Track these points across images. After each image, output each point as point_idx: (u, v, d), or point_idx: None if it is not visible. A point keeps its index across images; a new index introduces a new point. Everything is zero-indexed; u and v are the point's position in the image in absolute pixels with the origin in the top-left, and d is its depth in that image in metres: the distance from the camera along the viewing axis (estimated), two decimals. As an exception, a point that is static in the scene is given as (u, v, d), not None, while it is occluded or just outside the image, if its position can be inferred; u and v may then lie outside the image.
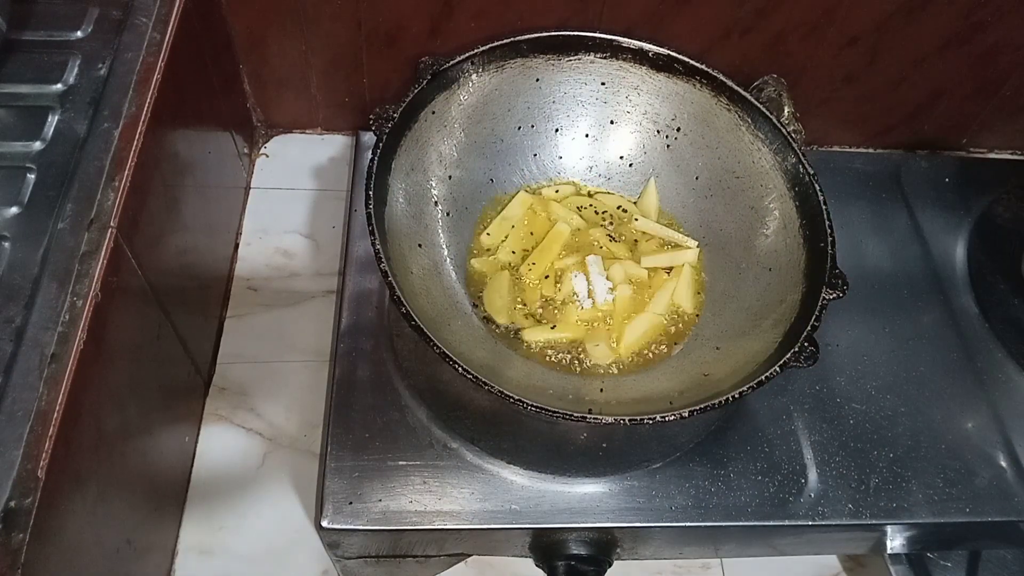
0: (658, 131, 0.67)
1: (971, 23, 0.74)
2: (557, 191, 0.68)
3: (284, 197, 0.81)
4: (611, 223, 0.67)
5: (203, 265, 0.70)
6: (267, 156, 0.84)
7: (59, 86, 0.53)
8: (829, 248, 0.56)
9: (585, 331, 0.62)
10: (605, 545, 0.59)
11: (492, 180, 0.66)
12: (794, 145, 0.61)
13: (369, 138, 0.57)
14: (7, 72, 0.53)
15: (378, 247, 0.52)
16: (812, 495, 0.60)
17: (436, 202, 0.63)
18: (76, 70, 0.54)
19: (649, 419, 0.49)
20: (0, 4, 0.53)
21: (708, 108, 0.65)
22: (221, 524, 0.65)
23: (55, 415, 0.40)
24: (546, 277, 0.64)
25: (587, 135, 0.68)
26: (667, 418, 0.49)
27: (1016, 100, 0.84)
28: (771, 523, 0.58)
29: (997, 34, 0.75)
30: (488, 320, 0.61)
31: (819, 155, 0.83)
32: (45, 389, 0.41)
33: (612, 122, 0.68)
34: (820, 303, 0.54)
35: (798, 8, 0.72)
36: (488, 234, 0.65)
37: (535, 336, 0.60)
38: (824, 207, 0.58)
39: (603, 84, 0.66)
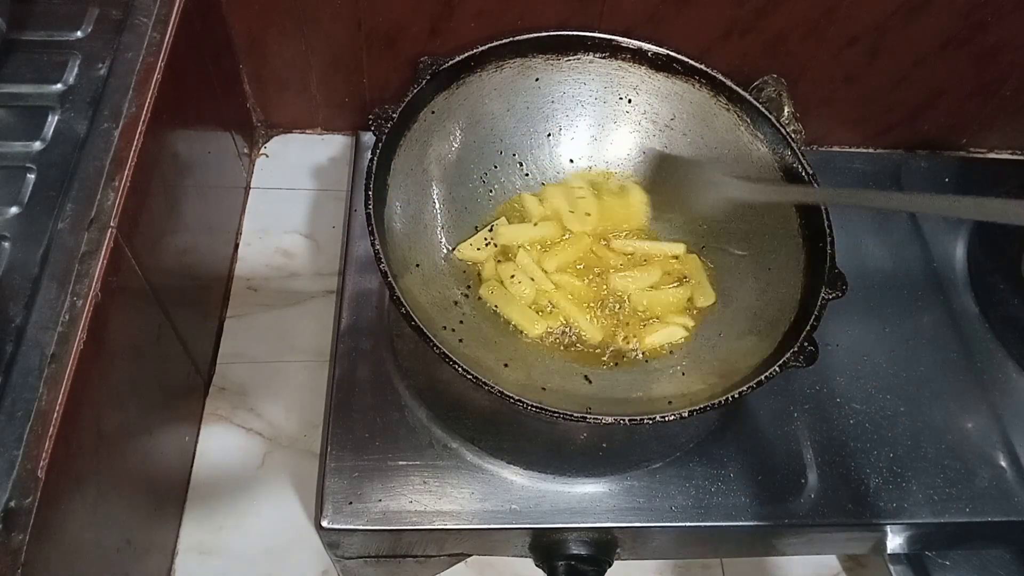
0: (658, 131, 0.67)
1: (971, 23, 0.74)
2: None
3: (284, 197, 0.82)
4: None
5: (203, 265, 0.70)
6: (267, 156, 0.84)
7: (59, 86, 0.53)
8: (828, 248, 0.56)
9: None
10: (605, 545, 0.59)
11: (492, 180, 0.66)
12: (793, 145, 0.61)
13: (369, 138, 0.57)
14: (7, 72, 0.53)
15: (377, 247, 0.52)
16: (812, 495, 0.60)
17: (435, 202, 0.63)
18: (76, 70, 0.54)
19: (649, 419, 0.49)
20: (0, 4, 0.53)
21: (707, 108, 0.65)
22: (221, 524, 0.65)
23: (55, 415, 0.40)
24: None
25: (586, 135, 0.68)
26: (667, 418, 0.49)
27: (1016, 100, 0.84)
28: (771, 523, 0.58)
29: (997, 34, 0.75)
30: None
31: (819, 155, 0.83)
32: (45, 389, 0.41)
33: (611, 122, 0.68)
34: (819, 302, 0.54)
35: (798, 8, 0.72)
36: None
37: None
38: (823, 206, 0.58)
39: (602, 84, 0.66)
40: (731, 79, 0.63)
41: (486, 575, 0.67)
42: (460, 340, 0.56)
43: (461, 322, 0.58)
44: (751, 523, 0.58)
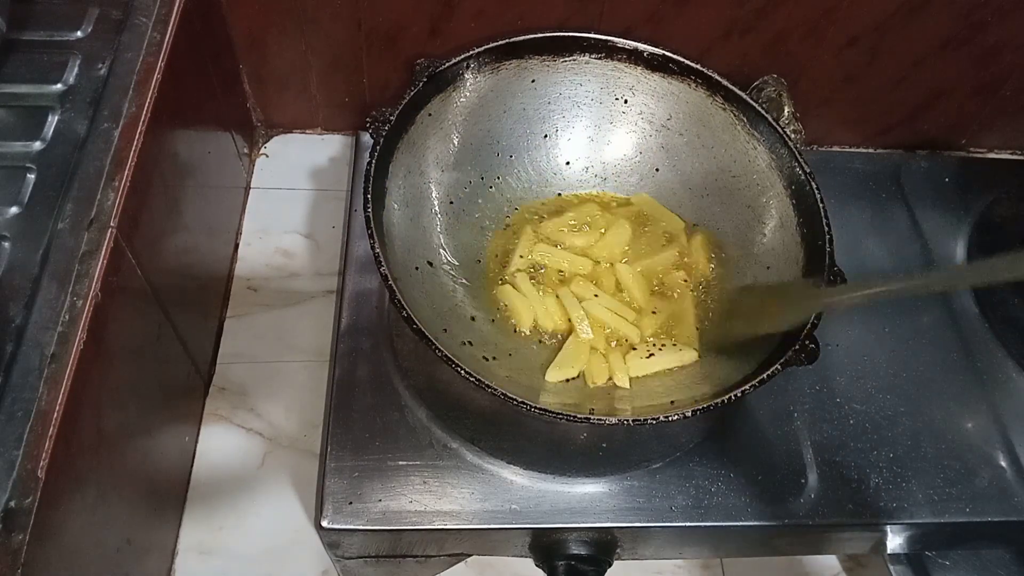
0: (654, 131, 0.67)
1: (971, 23, 0.74)
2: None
3: (284, 197, 0.82)
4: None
5: (203, 265, 0.70)
6: (267, 156, 0.84)
7: (59, 86, 0.53)
8: (827, 246, 0.56)
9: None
10: (605, 545, 0.59)
11: (489, 182, 0.66)
12: (790, 143, 0.61)
13: (369, 138, 0.57)
14: (7, 72, 0.54)
15: (377, 251, 0.52)
16: (812, 495, 0.60)
17: (434, 204, 0.63)
18: (76, 70, 0.54)
19: (652, 419, 0.49)
20: (0, 4, 0.53)
21: (704, 108, 0.65)
22: (221, 524, 0.65)
23: (55, 415, 0.40)
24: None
25: (583, 136, 0.68)
26: (670, 418, 0.49)
27: (1016, 100, 0.84)
28: (771, 523, 0.58)
29: (997, 34, 0.75)
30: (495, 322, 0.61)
31: (819, 155, 0.83)
32: (45, 389, 0.41)
33: (608, 123, 0.68)
34: (820, 301, 0.54)
35: (798, 8, 0.72)
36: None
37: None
38: (821, 204, 0.58)
39: (599, 85, 0.66)
40: (731, 79, 0.63)
41: (486, 575, 0.67)
42: (462, 343, 0.56)
43: (459, 323, 0.59)
44: (751, 523, 0.58)
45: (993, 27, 0.74)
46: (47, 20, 0.56)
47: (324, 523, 0.54)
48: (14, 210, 0.47)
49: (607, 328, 0.61)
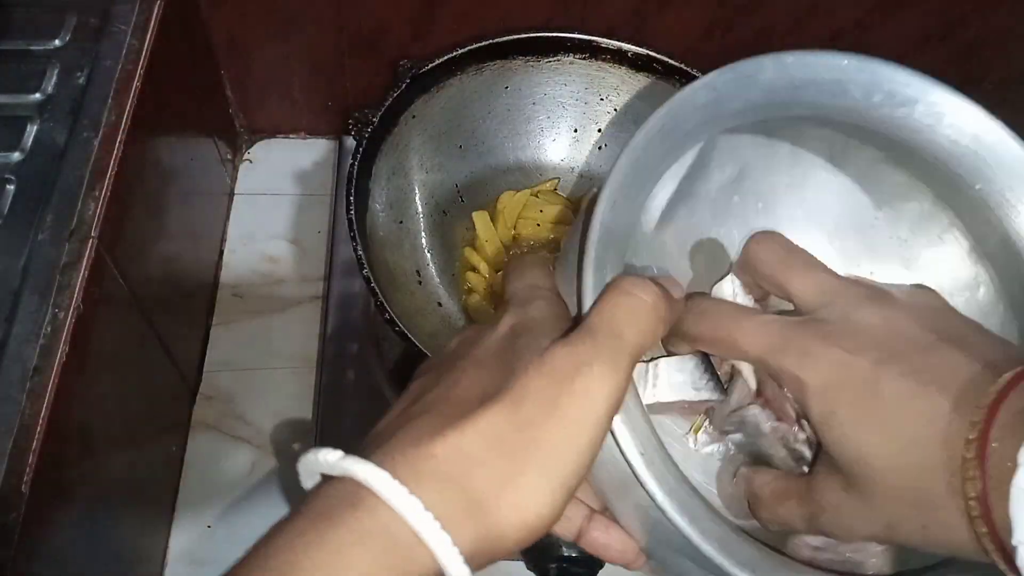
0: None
1: (952, 17, 0.74)
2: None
3: (268, 203, 0.81)
4: None
5: (187, 273, 0.70)
6: (250, 161, 0.84)
7: (38, 96, 0.52)
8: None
9: None
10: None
11: (473, 184, 0.66)
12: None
13: (353, 142, 0.57)
14: (-16, 83, 0.53)
15: (360, 253, 0.51)
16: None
17: (418, 206, 0.63)
18: (55, 79, 0.53)
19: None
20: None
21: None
22: (211, 533, 0.64)
23: (38, 429, 0.40)
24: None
25: (568, 136, 0.68)
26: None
27: (997, 94, 0.84)
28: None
29: (977, 28, 0.75)
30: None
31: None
32: (28, 403, 0.41)
33: (592, 123, 0.68)
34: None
35: (780, 5, 0.72)
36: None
37: None
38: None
39: (583, 85, 0.66)
40: (713, 78, 0.63)
41: (478, 577, 0.67)
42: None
43: (444, 324, 0.58)
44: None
45: (973, 22, 0.75)
46: (24, 29, 0.56)
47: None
48: (-7, 222, 0.47)
49: None
